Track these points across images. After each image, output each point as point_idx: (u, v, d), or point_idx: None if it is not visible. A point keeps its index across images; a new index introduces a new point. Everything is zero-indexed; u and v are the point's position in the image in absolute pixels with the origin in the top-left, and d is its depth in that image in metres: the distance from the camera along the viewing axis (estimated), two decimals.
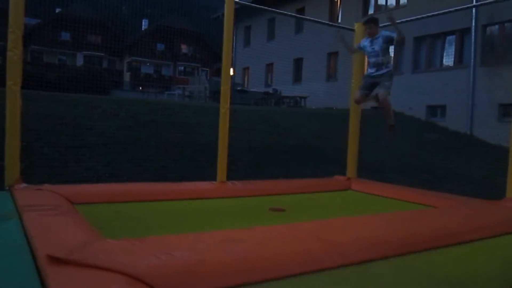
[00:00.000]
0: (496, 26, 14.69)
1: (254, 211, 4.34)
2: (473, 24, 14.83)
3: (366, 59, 5.46)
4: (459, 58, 16.09)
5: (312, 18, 7.44)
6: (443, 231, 3.18)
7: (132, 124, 8.30)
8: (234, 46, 23.93)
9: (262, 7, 6.74)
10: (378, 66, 4.91)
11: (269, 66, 25.23)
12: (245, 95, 19.03)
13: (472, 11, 14.44)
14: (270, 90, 21.06)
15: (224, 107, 5.19)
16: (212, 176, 5.32)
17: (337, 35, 5.40)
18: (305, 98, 19.51)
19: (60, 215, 3.03)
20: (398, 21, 6.40)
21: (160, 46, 50.26)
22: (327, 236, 2.71)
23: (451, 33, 16.18)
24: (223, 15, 5.37)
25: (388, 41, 4.88)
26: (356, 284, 2.39)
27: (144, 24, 54.74)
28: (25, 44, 4.33)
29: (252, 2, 22.67)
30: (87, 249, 2.20)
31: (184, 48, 51.23)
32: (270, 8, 6.65)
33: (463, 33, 15.78)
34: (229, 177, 5.32)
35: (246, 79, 27.21)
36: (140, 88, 42.39)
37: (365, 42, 5.07)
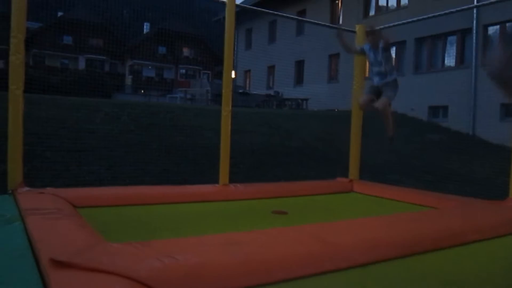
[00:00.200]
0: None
1: (257, 213, 4.34)
2: (474, 24, 14.81)
3: (367, 63, 5.47)
4: (461, 58, 16.07)
5: (313, 21, 7.46)
6: (446, 232, 3.17)
7: (134, 127, 8.32)
8: (235, 48, 23.95)
9: (263, 9, 6.75)
10: (382, 75, 4.91)
11: (271, 69, 25.25)
12: (247, 98, 19.05)
13: (473, 11, 14.44)
14: (272, 93, 21.09)
15: (226, 110, 5.19)
16: (214, 179, 5.32)
17: (337, 32, 5.38)
18: (306, 100, 19.52)
19: (63, 219, 3.03)
20: (399, 22, 6.41)
21: (162, 49, 50.35)
22: (330, 238, 2.71)
23: (452, 33, 16.17)
24: (224, 18, 5.38)
25: (384, 49, 4.87)
26: (359, 286, 2.39)
27: (146, 27, 54.86)
28: (27, 48, 4.35)
29: (253, 5, 22.76)
30: (89, 252, 2.20)
31: (185, 51, 51.30)
32: (271, 11, 6.67)
33: (464, 34, 15.77)
34: (231, 180, 5.32)
35: (247, 81, 27.24)
36: (142, 91, 42.48)
37: (369, 51, 5.05)
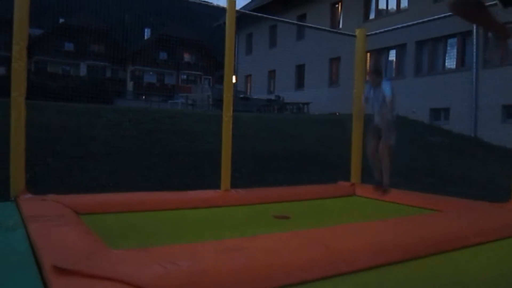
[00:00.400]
0: None
1: (259, 218, 4.34)
2: (475, 26, 14.82)
3: (368, 64, 5.47)
4: (461, 60, 16.09)
5: (314, 25, 7.47)
6: (449, 235, 3.17)
7: (135, 133, 8.32)
8: (236, 53, 24.02)
9: (263, 15, 6.77)
10: (381, 114, 4.90)
11: (271, 73, 25.30)
12: (248, 102, 19.05)
13: None
14: (273, 97, 21.09)
15: (227, 115, 5.20)
16: (216, 184, 5.32)
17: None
18: (307, 104, 19.53)
19: (65, 225, 3.04)
20: (399, 25, 6.43)
21: (163, 55, 50.51)
22: (332, 243, 2.71)
23: (453, 36, 16.19)
24: (224, 23, 5.40)
25: (384, 94, 4.86)
26: None
27: (147, 33, 55.07)
28: (29, 55, 4.38)
29: (254, 10, 22.83)
30: (92, 259, 2.20)
31: (186, 57, 51.44)
32: (271, 16, 6.69)
33: (464, 36, 15.79)
34: (233, 185, 5.32)
35: (248, 86, 27.28)
36: (143, 97, 42.56)
37: (369, 91, 5.05)
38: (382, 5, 19.87)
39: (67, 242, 2.61)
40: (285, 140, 9.96)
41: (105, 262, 2.15)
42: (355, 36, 6.38)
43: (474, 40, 14.93)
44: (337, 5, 22.36)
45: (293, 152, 9.15)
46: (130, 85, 48.11)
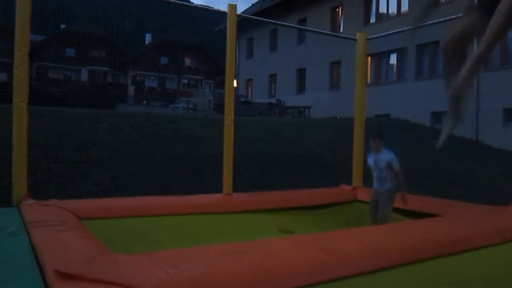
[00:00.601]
0: None
1: (261, 222, 4.34)
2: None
3: (369, 67, 5.47)
4: None
5: (314, 29, 7.50)
6: (451, 238, 3.16)
7: (137, 138, 8.34)
8: (237, 58, 24.07)
9: (264, 19, 6.81)
10: (382, 181, 4.89)
11: (272, 77, 25.34)
12: (249, 106, 19.07)
13: None
14: (274, 101, 21.11)
15: (228, 119, 5.20)
16: (218, 188, 5.32)
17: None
18: (309, 108, 19.54)
19: (68, 231, 3.04)
20: (400, 29, 6.44)
21: (164, 60, 50.64)
22: (334, 247, 2.71)
23: None
24: (225, 27, 5.42)
25: (389, 165, 4.85)
26: None
27: (148, 38, 55.23)
28: (31, 61, 4.39)
29: (254, 14, 22.90)
30: (94, 264, 2.20)
31: (187, 61, 51.56)
32: (272, 20, 6.70)
33: None
34: (235, 189, 5.32)
35: (249, 90, 27.32)
36: (145, 101, 42.63)
37: (371, 159, 5.06)
38: (382, 9, 19.91)
39: (69, 247, 2.61)
40: (286, 144, 9.96)
41: (107, 267, 2.15)
42: (356, 39, 6.39)
43: (475, 44, 14.92)
44: (337, 9, 22.41)
45: (294, 156, 9.15)
46: (131, 90, 48.20)
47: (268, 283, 2.25)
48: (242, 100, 19.99)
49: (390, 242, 2.94)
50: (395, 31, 6.55)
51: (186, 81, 50.97)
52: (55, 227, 3.10)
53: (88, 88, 20.65)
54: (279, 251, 2.59)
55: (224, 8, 5.49)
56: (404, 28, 6.34)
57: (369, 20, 20.36)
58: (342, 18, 22.06)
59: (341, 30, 21.42)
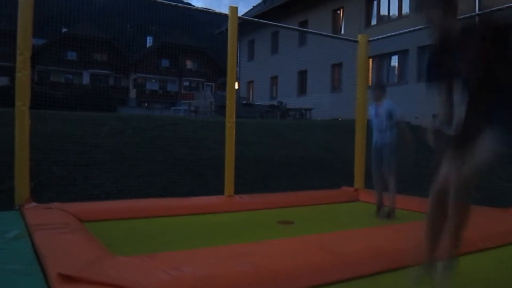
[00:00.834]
0: None
1: (263, 224, 4.34)
2: None
3: (371, 69, 5.49)
4: None
5: (315, 31, 7.51)
6: None
7: (139, 140, 8.34)
8: (238, 60, 24.10)
9: (265, 21, 6.81)
10: (381, 131, 4.90)
11: (274, 79, 25.33)
12: (251, 109, 19.07)
13: (475, 19, 14.46)
14: (275, 103, 21.11)
15: (230, 121, 5.21)
16: (219, 190, 5.32)
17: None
18: (310, 110, 19.53)
19: (70, 233, 3.05)
20: (401, 31, 6.45)
21: (165, 62, 50.68)
22: (336, 248, 2.71)
23: None
24: (226, 30, 5.43)
25: (390, 113, 4.86)
26: None
27: (149, 41, 55.30)
28: (33, 64, 4.40)
29: (255, 17, 22.91)
30: (97, 266, 2.21)
31: (188, 64, 51.59)
32: (273, 22, 6.72)
33: None
34: (237, 191, 5.32)
35: (251, 92, 27.32)
36: (146, 104, 42.67)
37: (371, 109, 5.06)
38: (383, 11, 19.90)
39: (72, 250, 2.62)
40: (288, 146, 9.96)
41: (110, 269, 2.16)
42: (357, 41, 6.40)
43: None
44: (338, 11, 22.42)
45: (296, 158, 9.14)
46: (132, 93, 48.25)
47: (270, 284, 2.25)
48: (244, 102, 19.98)
49: (392, 243, 2.94)
50: (397, 32, 6.56)
51: (187, 83, 50.98)
52: (58, 230, 3.11)
53: (89, 91, 20.68)
54: (280, 252, 2.59)
55: (225, 10, 5.52)
56: (406, 30, 6.34)
57: (370, 22, 20.36)
58: (343, 20, 22.07)
59: (342, 32, 21.42)
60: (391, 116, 4.81)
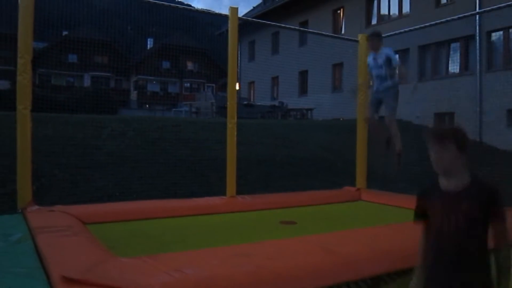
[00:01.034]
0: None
1: (265, 224, 4.34)
2: (477, 30, 14.81)
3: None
4: (465, 65, 16.04)
5: (316, 31, 7.51)
6: None
7: (140, 142, 8.35)
8: (239, 60, 24.09)
9: (265, 22, 6.81)
10: (381, 79, 4.92)
11: (275, 80, 25.32)
12: (252, 109, 19.07)
13: (475, 18, 14.45)
14: (276, 103, 21.10)
15: (231, 122, 5.21)
16: (221, 191, 5.32)
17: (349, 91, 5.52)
18: (311, 110, 19.52)
19: (73, 236, 3.05)
20: (401, 30, 6.45)
21: (166, 64, 50.72)
22: (339, 249, 2.70)
23: (456, 40, 16.17)
24: (227, 31, 5.43)
25: (388, 60, 4.89)
26: None
27: (149, 43, 55.35)
28: (33, 68, 4.41)
29: (256, 17, 22.92)
30: (100, 268, 2.21)
31: (189, 65, 51.64)
32: (273, 23, 6.72)
33: (467, 40, 15.76)
34: (238, 192, 5.32)
35: (252, 93, 27.31)
36: (147, 106, 42.72)
37: (370, 58, 5.09)
38: (384, 11, 19.89)
39: (75, 252, 2.62)
40: (289, 146, 9.96)
41: (113, 271, 2.16)
42: (357, 41, 6.40)
43: (477, 44, 14.90)
44: (339, 11, 22.41)
45: (297, 158, 9.14)
46: (134, 95, 48.30)
47: (273, 285, 2.25)
48: (245, 103, 19.99)
49: (395, 244, 2.93)
50: (397, 32, 6.55)
51: (188, 85, 51.02)
52: (60, 232, 3.11)
53: (91, 93, 20.72)
54: (283, 253, 2.59)
55: (225, 11, 5.52)
56: (406, 29, 6.34)
57: (370, 22, 20.34)
58: (343, 20, 22.06)
59: (343, 32, 21.41)
60: (391, 63, 4.86)
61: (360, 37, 6.38)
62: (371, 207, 5.50)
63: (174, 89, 50.53)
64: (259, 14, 24.71)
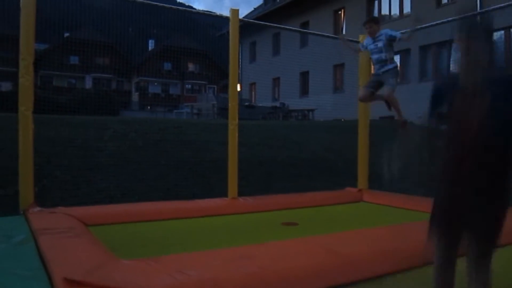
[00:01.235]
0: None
1: (267, 226, 4.33)
2: None
3: (372, 68, 5.50)
4: None
5: (317, 32, 7.52)
6: None
7: (142, 143, 8.35)
8: (240, 62, 24.09)
9: (266, 23, 6.80)
10: (382, 62, 4.93)
11: (276, 81, 25.34)
12: (253, 110, 19.07)
13: (476, 18, 14.44)
14: (278, 104, 21.11)
15: (233, 123, 5.21)
16: (223, 193, 5.32)
17: (340, 38, 5.55)
18: (312, 110, 19.51)
19: (75, 238, 3.05)
20: (402, 30, 6.44)
21: (167, 65, 50.78)
22: (341, 250, 2.70)
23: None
24: (228, 32, 5.44)
25: (391, 39, 4.90)
26: None
27: (151, 44, 55.43)
28: (35, 69, 4.42)
29: (257, 18, 22.95)
30: (102, 270, 2.21)
31: (190, 66, 51.70)
32: (274, 24, 6.72)
33: None
34: (240, 193, 5.32)
35: (253, 94, 27.33)
36: (149, 107, 42.76)
37: (368, 42, 5.10)
38: (385, 11, 19.90)
39: (77, 254, 2.62)
40: (291, 147, 9.95)
41: (115, 273, 2.16)
42: (358, 42, 6.39)
43: None
44: (339, 12, 22.43)
45: (299, 159, 9.13)
46: (135, 96, 48.37)
47: (275, 287, 2.25)
48: (246, 104, 19.99)
49: (397, 245, 2.93)
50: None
51: (189, 86, 51.08)
52: (62, 234, 3.12)
53: (92, 95, 20.75)
54: (285, 254, 2.59)
55: (226, 13, 5.53)
56: (407, 29, 6.33)
57: None
58: (344, 20, 22.08)
59: (344, 32, 21.42)
60: (391, 44, 4.87)
61: (361, 38, 6.38)
62: (373, 208, 5.50)
63: (175, 90, 50.58)
64: (260, 15, 24.73)
